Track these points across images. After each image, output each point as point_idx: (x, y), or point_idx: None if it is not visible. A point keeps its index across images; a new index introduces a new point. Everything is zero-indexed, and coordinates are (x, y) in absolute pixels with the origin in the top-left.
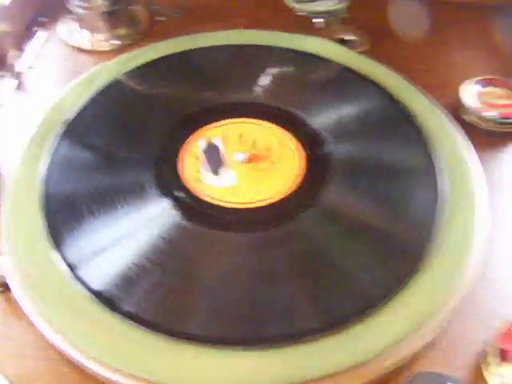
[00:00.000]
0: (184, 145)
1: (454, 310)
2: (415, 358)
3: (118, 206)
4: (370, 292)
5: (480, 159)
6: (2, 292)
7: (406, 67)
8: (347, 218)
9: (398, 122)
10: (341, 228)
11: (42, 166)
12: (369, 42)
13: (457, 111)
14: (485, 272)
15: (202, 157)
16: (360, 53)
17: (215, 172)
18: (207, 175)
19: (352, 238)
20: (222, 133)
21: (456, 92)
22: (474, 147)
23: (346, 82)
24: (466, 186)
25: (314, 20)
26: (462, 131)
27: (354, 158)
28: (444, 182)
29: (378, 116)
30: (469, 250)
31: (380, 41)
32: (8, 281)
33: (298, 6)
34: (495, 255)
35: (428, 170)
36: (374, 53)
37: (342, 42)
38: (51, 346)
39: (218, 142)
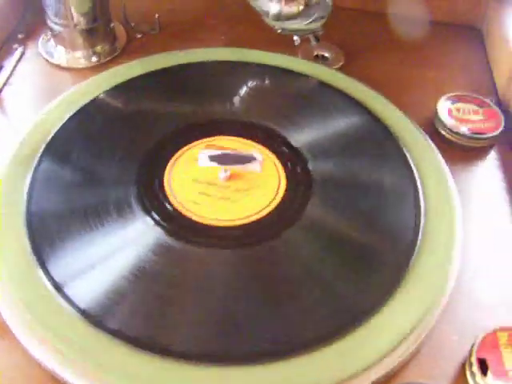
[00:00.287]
0: (168, 162)
1: (435, 321)
2: (400, 368)
3: (102, 224)
4: (354, 307)
5: (454, 173)
6: None
7: (380, 84)
8: (329, 235)
9: (376, 138)
10: (322, 244)
11: (25, 185)
12: (343, 58)
13: (432, 127)
14: (461, 282)
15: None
16: (335, 69)
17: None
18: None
19: (333, 254)
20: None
21: (430, 109)
22: (450, 161)
23: (324, 97)
24: (442, 199)
25: (294, 38)
26: (436, 146)
27: (333, 175)
28: (421, 197)
29: (357, 132)
30: (447, 261)
31: (354, 58)
32: None
33: (275, 24)
34: (470, 265)
35: (406, 186)
36: (348, 70)
37: (318, 58)
38: (39, 366)
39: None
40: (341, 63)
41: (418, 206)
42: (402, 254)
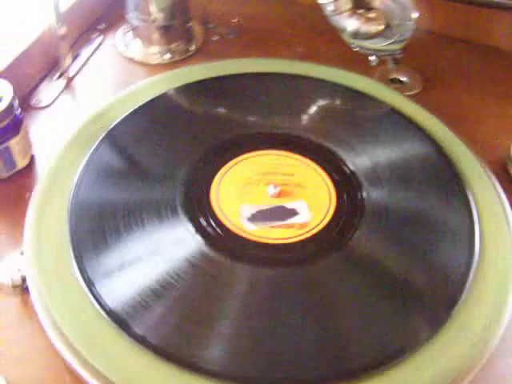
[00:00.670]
0: (221, 170)
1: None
2: None
3: (143, 224)
4: (388, 347)
5: None
6: (21, 293)
7: (455, 116)
8: (373, 267)
9: (439, 173)
10: (364, 276)
11: (77, 172)
12: (420, 85)
13: (504, 167)
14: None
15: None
16: (410, 96)
17: (293, 214)
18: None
19: (375, 288)
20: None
21: (504, 147)
22: None
23: (391, 124)
24: (500, 249)
25: (369, 58)
26: (505, 189)
27: (388, 205)
28: (479, 241)
29: (419, 164)
30: (496, 316)
31: (432, 86)
32: (27, 283)
33: (353, 42)
34: None
35: (463, 227)
36: (423, 98)
37: (394, 82)
38: (58, 356)
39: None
40: (417, 90)
41: (471, 252)
42: (451, 299)
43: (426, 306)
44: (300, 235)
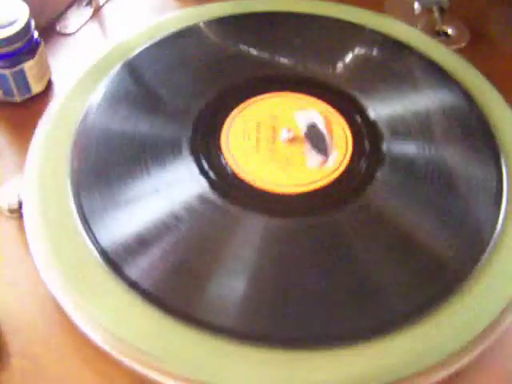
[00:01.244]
0: (235, 110)
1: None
2: None
3: (147, 160)
4: (394, 309)
5: None
6: (18, 218)
7: (503, 76)
8: (390, 223)
9: (472, 132)
10: (380, 231)
11: (88, 100)
12: (467, 39)
13: None
14: None
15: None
16: (454, 50)
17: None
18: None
19: (390, 245)
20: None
21: None
22: None
23: (424, 76)
24: None
25: (415, 5)
26: None
27: (410, 159)
28: (505, 204)
29: (452, 120)
30: None
31: (481, 41)
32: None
33: None
34: None
35: (492, 190)
36: (470, 53)
37: (439, 34)
38: (44, 285)
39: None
40: (463, 44)
41: (499, 216)
42: (467, 264)
43: (451, 259)
44: (311, 183)
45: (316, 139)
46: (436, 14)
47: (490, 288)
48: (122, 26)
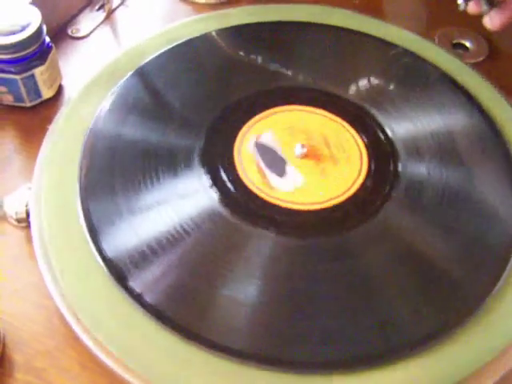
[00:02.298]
0: (249, 122)
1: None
2: None
3: (157, 169)
4: (407, 332)
5: None
6: (26, 227)
7: None
8: (403, 244)
9: (489, 152)
10: (393, 252)
11: (99, 107)
12: (486, 52)
13: None
14: None
15: (258, 159)
16: (472, 64)
17: (280, 174)
18: (272, 177)
19: (404, 266)
20: (278, 124)
21: None
22: None
23: (442, 93)
24: None
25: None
26: None
27: (426, 178)
28: None
29: (468, 140)
30: None
31: (498, 54)
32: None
33: None
34: None
35: (508, 211)
36: (487, 66)
37: (456, 47)
38: (49, 298)
39: (268, 138)
40: (481, 58)
41: None
42: (483, 289)
43: (465, 284)
44: (324, 202)
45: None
46: (484, 7)
47: (503, 314)
48: (134, 30)
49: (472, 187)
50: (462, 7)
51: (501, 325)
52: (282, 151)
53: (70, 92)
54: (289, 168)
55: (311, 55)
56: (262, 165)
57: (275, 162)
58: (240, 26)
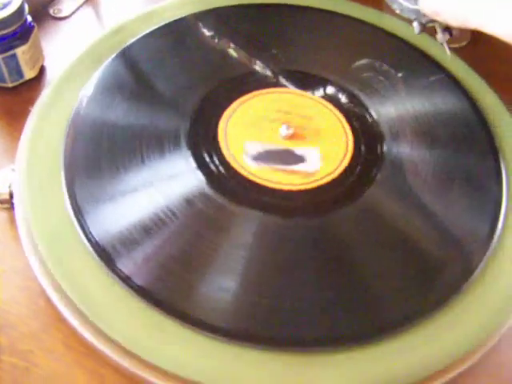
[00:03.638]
0: (233, 104)
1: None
2: None
3: (143, 151)
4: (390, 315)
5: None
6: (9, 209)
7: (501, 77)
8: (385, 225)
9: (471, 133)
10: (377, 234)
11: (83, 88)
12: (468, 37)
13: None
14: None
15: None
16: (456, 48)
17: (300, 160)
18: (300, 167)
19: (388, 248)
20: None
21: None
22: None
23: (426, 76)
24: None
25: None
26: None
27: (410, 161)
28: (505, 209)
29: (451, 122)
30: None
31: (480, 38)
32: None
33: (391, 3)
34: None
35: (491, 194)
36: (470, 51)
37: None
38: (35, 280)
39: (257, 146)
40: (464, 42)
41: (496, 217)
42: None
43: (447, 265)
44: (310, 183)
45: (282, 157)
46: (439, 35)
47: (484, 298)
48: (117, 11)
49: (456, 170)
50: (416, 31)
51: (480, 307)
52: (273, 145)
53: (53, 73)
54: (298, 151)
55: (295, 37)
56: (283, 167)
57: (285, 156)
58: (226, 8)
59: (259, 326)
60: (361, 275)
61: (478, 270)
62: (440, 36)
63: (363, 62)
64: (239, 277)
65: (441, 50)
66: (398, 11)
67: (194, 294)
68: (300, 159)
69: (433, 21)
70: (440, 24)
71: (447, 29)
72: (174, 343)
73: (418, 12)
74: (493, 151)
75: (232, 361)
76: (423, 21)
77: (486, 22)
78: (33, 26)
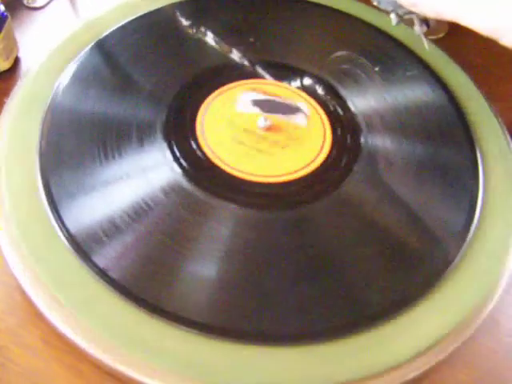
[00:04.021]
0: (211, 95)
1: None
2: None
3: (119, 143)
4: (374, 304)
5: None
6: None
7: (479, 68)
8: (365, 217)
9: (448, 125)
10: (354, 225)
11: (58, 79)
12: (445, 29)
13: None
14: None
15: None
16: (433, 39)
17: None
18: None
19: (366, 239)
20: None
21: None
22: None
23: (404, 67)
24: (507, 205)
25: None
26: None
27: (388, 152)
28: (481, 200)
29: (429, 113)
30: (492, 278)
31: (458, 30)
32: None
33: None
34: None
35: (468, 182)
36: (448, 42)
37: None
38: (11, 273)
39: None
40: (442, 34)
41: (472, 208)
42: (444, 257)
43: (425, 256)
44: (288, 174)
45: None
46: (416, 28)
47: (461, 287)
48: (92, 1)
49: (433, 161)
50: (394, 22)
51: (458, 297)
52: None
53: (28, 64)
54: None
55: (273, 27)
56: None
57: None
58: None
59: (236, 321)
60: (339, 267)
61: (456, 261)
62: (417, 28)
63: (340, 53)
64: (216, 270)
65: (419, 41)
66: (375, 3)
67: (171, 287)
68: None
69: (410, 12)
70: (417, 15)
71: (424, 20)
72: (151, 338)
73: (395, 3)
74: (470, 142)
75: (209, 354)
76: (400, 12)
77: (461, 15)
78: (6, 16)
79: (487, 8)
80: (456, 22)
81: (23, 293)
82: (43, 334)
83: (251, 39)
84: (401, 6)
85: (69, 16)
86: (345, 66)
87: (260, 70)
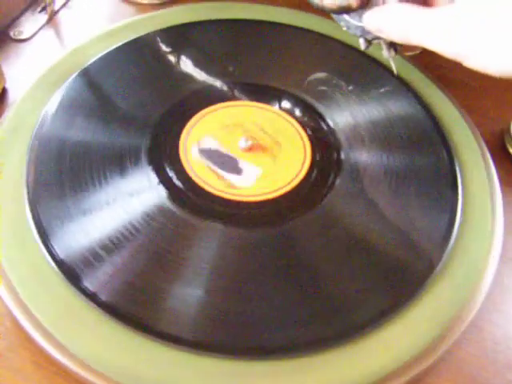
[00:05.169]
0: (193, 119)
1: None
2: None
3: (105, 169)
4: (357, 316)
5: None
6: None
7: (454, 83)
8: (347, 231)
9: (426, 138)
10: (337, 239)
11: (44, 109)
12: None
13: (500, 142)
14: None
15: (209, 165)
16: (409, 56)
17: (238, 172)
18: (231, 177)
19: (348, 253)
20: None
21: (504, 121)
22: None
23: (380, 84)
24: (484, 217)
25: (360, 41)
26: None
27: (368, 166)
28: (461, 210)
29: (407, 127)
30: (473, 285)
31: None
32: None
33: (335, 18)
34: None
35: (447, 197)
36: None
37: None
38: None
39: (210, 142)
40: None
41: (452, 218)
42: (425, 268)
43: (407, 266)
44: (271, 193)
45: (223, 162)
46: (384, 52)
47: (443, 296)
48: (77, 32)
49: (412, 173)
50: (363, 47)
51: (440, 306)
52: (228, 151)
53: (15, 95)
54: (242, 164)
55: (252, 51)
56: (216, 169)
57: (227, 162)
58: (181, 25)
59: (225, 337)
60: (324, 280)
61: (438, 269)
62: (385, 52)
63: (316, 75)
64: (203, 289)
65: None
66: (344, 28)
67: (160, 308)
68: (237, 171)
69: (378, 37)
70: (384, 40)
71: (392, 45)
72: (142, 359)
73: (362, 29)
74: (448, 153)
75: (199, 372)
76: (369, 37)
77: (425, 40)
78: None
79: (448, 35)
80: (422, 47)
81: (13, 319)
82: (34, 357)
83: (230, 68)
84: (368, 32)
85: (55, 46)
86: (322, 88)
87: (239, 94)
